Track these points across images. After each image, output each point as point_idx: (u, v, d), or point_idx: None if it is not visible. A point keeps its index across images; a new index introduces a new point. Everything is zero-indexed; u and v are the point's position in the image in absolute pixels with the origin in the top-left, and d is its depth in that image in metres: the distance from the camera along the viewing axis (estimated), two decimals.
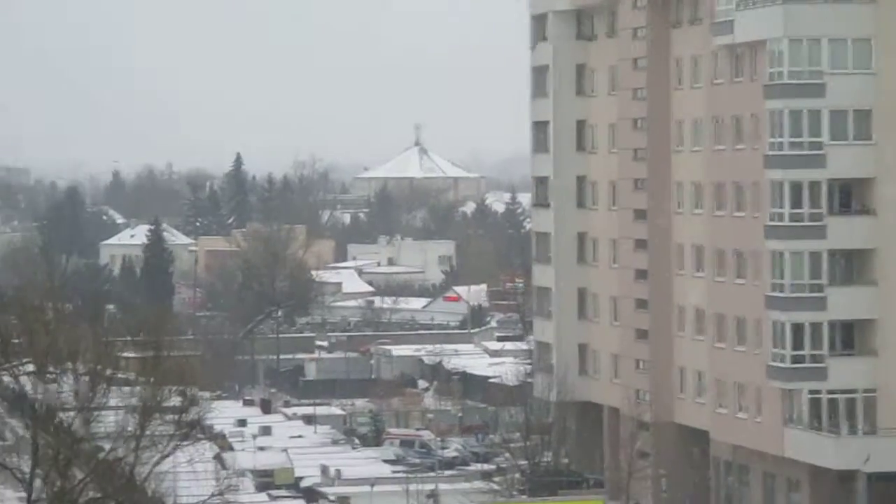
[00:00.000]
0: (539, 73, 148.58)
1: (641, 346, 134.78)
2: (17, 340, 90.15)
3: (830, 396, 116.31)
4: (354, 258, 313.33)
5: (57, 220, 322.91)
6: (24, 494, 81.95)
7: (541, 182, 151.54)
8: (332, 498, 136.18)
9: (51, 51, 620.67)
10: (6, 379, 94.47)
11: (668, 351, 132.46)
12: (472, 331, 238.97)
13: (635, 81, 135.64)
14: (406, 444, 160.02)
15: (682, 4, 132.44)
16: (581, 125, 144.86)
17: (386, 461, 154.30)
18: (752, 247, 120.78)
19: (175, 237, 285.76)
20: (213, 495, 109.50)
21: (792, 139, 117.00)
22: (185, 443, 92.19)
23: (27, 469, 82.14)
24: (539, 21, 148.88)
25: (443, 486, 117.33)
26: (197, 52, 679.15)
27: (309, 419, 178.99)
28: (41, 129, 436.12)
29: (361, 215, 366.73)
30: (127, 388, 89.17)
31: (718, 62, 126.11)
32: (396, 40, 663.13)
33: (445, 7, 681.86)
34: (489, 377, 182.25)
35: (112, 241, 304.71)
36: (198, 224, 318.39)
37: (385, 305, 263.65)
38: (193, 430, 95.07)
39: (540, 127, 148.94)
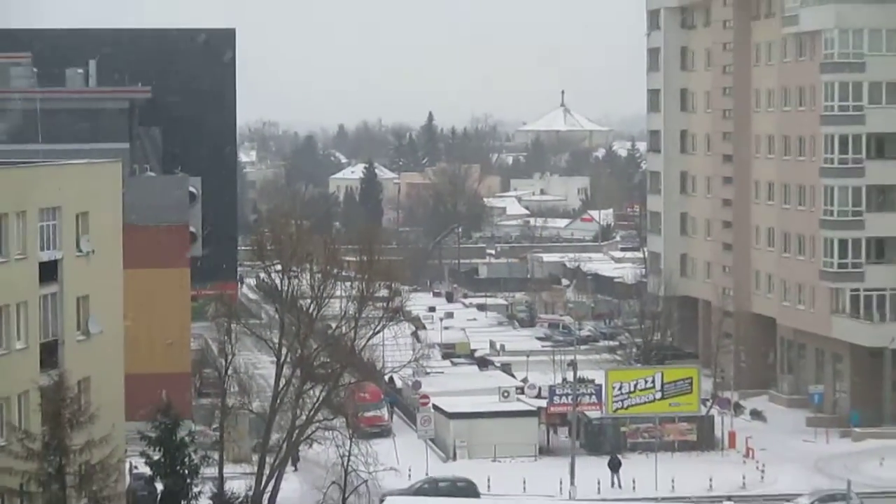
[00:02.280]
0: (653, 53, 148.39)
1: (727, 255, 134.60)
2: (269, 247, 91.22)
3: (866, 293, 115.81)
4: (515, 189, 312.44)
5: (298, 160, 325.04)
6: (273, 358, 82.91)
7: (654, 134, 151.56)
8: (497, 364, 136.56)
9: (300, 25, 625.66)
10: (261, 275, 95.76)
11: (747, 259, 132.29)
12: (601, 243, 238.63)
13: (724, 60, 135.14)
14: (552, 325, 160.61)
15: (760, 2, 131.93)
16: (684, 92, 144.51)
17: (537, 338, 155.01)
18: (809, 182, 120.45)
19: (383, 173, 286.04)
20: (410, 361, 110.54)
21: (840, 103, 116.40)
22: (390, 323, 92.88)
23: (276, 340, 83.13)
24: (653, 14, 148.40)
25: (579, 357, 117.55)
26: (401, 36, 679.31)
27: (481, 307, 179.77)
28: (288, 89, 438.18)
29: (521, 158, 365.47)
30: (348, 283, 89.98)
31: (787, 46, 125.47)
32: (548, 30, 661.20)
33: (583, 4, 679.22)
34: (614, 277, 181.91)
35: (338, 175, 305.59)
36: (400, 163, 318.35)
37: (537, 224, 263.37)
38: (396, 313, 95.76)
39: (653, 93, 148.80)
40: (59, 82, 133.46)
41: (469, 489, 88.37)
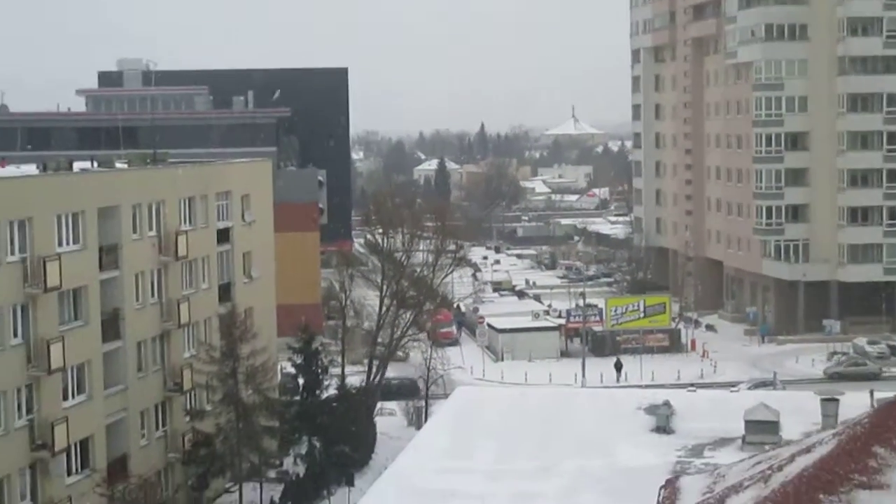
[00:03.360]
0: (635, 79, 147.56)
1: (688, 218, 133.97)
2: (373, 217, 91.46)
3: (785, 243, 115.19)
4: (541, 175, 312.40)
5: (391, 157, 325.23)
6: (377, 292, 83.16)
7: (637, 135, 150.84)
8: (531, 295, 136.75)
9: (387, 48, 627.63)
10: (368, 236, 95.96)
11: (702, 220, 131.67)
12: (601, 211, 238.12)
13: (685, 83, 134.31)
14: (568, 268, 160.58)
15: (709, 42, 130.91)
16: (657, 106, 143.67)
17: (558, 277, 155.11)
18: (745, 167, 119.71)
19: (451, 165, 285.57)
20: (471, 294, 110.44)
21: (766, 111, 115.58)
22: (457, 267, 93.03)
23: (379, 280, 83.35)
24: (635, 52, 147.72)
25: (587, 289, 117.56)
26: (460, 69, 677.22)
27: (519, 256, 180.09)
28: (385, 107, 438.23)
29: (544, 153, 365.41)
30: (428, 240, 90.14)
31: (728, 72, 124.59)
32: (562, 65, 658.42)
33: (586, 47, 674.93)
34: (610, 234, 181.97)
35: (419, 167, 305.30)
36: (462, 158, 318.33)
37: (556, 198, 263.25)
38: (461, 261, 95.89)
39: (636, 107, 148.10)
40: (228, 106, 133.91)
41: (413, 385, 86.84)
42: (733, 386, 76.38)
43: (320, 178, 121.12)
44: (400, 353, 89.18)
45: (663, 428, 43.66)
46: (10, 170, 60.26)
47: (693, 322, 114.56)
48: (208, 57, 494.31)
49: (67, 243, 51.60)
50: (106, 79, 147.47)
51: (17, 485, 48.27)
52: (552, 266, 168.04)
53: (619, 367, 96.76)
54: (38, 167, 59.52)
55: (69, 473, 51.60)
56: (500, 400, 49.29)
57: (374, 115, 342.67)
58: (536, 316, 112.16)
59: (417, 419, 78.86)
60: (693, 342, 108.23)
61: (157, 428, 59.81)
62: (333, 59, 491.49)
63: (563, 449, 41.89)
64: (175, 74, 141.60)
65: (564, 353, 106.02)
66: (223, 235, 67.07)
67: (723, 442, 41.76)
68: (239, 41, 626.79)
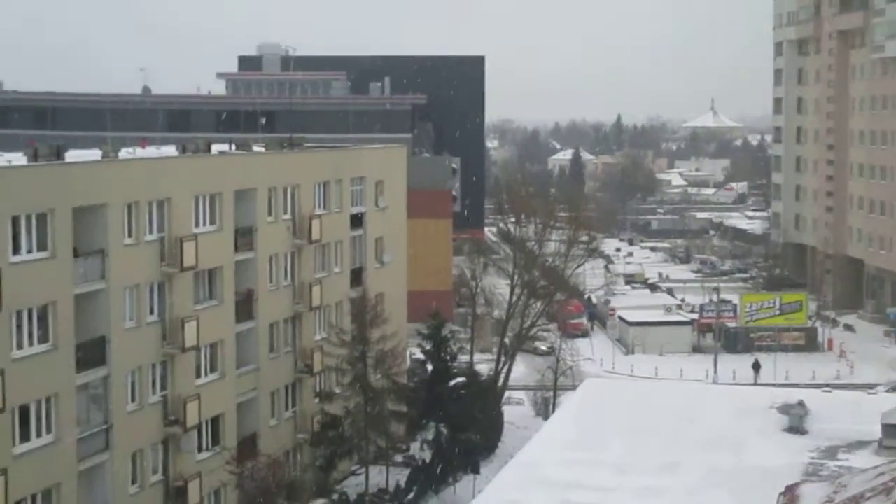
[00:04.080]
0: (778, 73, 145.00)
1: (829, 215, 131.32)
2: (506, 206, 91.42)
3: None
4: (677, 167, 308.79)
5: (526, 146, 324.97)
6: (508, 281, 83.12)
7: (777, 129, 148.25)
8: (663, 289, 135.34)
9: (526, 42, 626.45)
10: (500, 224, 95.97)
11: (843, 217, 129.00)
12: (738, 205, 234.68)
13: (829, 77, 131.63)
14: (703, 262, 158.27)
15: (855, 36, 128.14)
16: (799, 100, 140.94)
17: (692, 271, 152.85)
18: (891, 164, 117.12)
19: (586, 155, 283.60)
20: (603, 285, 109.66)
21: None
22: (589, 259, 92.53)
23: (510, 269, 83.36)
24: (778, 45, 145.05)
25: (721, 285, 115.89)
26: (598, 61, 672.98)
27: (652, 249, 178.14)
28: (520, 96, 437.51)
29: (682, 145, 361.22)
30: (560, 231, 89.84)
31: (875, 66, 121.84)
32: (703, 56, 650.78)
33: (730, 41, 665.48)
34: (747, 229, 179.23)
35: (554, 157, 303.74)
36: (597, 149, 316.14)
37: (693, 191, 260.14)
38: (594, 252, 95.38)
39: (777, 101, 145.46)
40: (365, 92, 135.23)
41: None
42: (871, 388, 74.70)
43: (454, 165, 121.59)
44: (545, 347, 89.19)
45: (797, 428, 42.84)
46: (151, 151, 61.51)
47: (831, 321, 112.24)
48: (347, 43, 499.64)
49: (204, 224, 52.55)
50: (246, 63, 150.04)
51: (150, 459, 49.41)
52: (686, 260, 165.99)
53: (756, 367, 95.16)
54: (177, 149, 60.66)
55: (200, 450, 52.60)
56: (628, 393, 48.89)
57: (509, 103, 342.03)
58: (669, 310, 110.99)
59: (545, 409, 78.70)
60: (830, 342, 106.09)
61: (286, 408, 60.66)
62: (472, 47, 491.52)
63: (691, 445, 41.37)
64: (313, 60, 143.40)
65: (696, 349, 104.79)
66: (356, 220, 67.67)
67: (858, 445, 40.82)
68: (378, 28, 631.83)
